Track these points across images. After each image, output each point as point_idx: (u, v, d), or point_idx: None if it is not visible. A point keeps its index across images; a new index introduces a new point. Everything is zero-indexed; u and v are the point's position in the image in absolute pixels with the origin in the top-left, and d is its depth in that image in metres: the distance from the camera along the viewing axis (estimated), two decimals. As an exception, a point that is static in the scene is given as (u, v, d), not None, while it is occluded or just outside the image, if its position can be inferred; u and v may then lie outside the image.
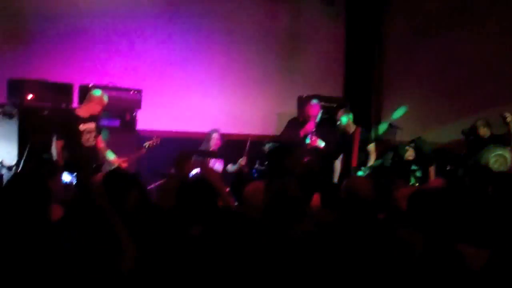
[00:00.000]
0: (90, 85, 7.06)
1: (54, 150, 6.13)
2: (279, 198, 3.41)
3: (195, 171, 3.84)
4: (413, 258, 2.96)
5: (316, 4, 9.29)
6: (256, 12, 9.28)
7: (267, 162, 7.52)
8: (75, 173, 3.22)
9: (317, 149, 7.13)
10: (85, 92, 6.95)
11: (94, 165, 6.15)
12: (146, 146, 6.67)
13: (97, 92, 6.47)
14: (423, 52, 9.37)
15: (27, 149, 6.35)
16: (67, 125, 6.23)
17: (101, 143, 6.48)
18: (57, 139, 6.17)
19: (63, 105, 6.98)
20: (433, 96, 9.21)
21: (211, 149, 7.41)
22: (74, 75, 7.42)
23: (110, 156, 6.49)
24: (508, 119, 7.15)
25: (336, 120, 7.56)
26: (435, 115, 9.14)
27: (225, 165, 7.39)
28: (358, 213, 3.49)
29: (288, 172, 6.27)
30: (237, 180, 4.47)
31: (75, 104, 7.12)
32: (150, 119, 7.70)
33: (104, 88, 7.15)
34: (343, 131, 7.47)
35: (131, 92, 7.38)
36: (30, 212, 2.92)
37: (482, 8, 8.57)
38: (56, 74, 7.27)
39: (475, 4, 8.68)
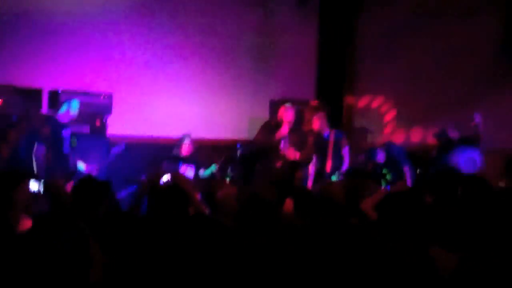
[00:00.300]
0: (60, 90, 6.98)
1: (35, 156, 6.13)
2: (251, 203, 3.41)
3: (166, 177, 3.82)
4: (386, 262, 2.97)
5: (288, 6, 9.31)
6: (228, 15, 9.25)
7: (239, 166, 7.51)
8: (41, 181, 3.17)
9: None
10: (55, 97, 6.90)
11: (67, 172, 6.12)
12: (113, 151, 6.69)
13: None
14: (395, 54, 9.45)
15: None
16: (52, 131, 6.26)
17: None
18: (39, 144, 6.16)
19: (33, 111, 6.89)
20: (404, 98, 9.30)
21: (182, 154, 7.37)
22: (43, 80, 7.33)
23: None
24: (477, 120, 7.25)
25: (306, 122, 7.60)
26: (406, 117, 9.24)
27: (197, 170, 7.35)
28: (331, 217, 3.51)
29: (261, 176, 6.28)
30: (211, 185, 4.45)
31: (44, 109, 7.03)
32: (121, 124, 7.62)
33: (73, 93, 7.09)
34: (317, 134, 7.48)
35: (101, 97, 7.31)
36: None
37: (453, 10, 8.67)
38: (25, 79, 7.17)
39: (447, 5, 8.77)
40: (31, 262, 2.59)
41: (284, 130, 7.10)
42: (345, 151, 7.41)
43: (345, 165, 7.38)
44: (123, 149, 6.75)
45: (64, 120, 6.44)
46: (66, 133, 6.33)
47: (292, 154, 7.04)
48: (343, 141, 7.53)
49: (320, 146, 7.42)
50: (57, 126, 6.34)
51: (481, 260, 3.12)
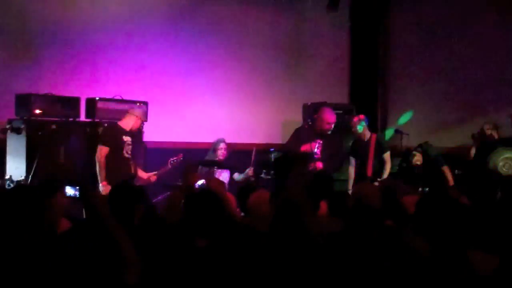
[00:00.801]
0: (96, 98, 7.10)
1: (97, 156, 6.36)
2: (285, 208, 3.40)
3: (201, 182, 3.84)
4: (421, 265, 2.93)
5: (320, 11, 9.28)
6: (259, 20, 9.29)
7: (273, 171, 7.48)
8: (77, 187, 3.24)
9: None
10: (92, 105, 7.06)
11: (128, 177, 6.29)
12: (171, 162, 6.82)
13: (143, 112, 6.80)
14: (429, 56, 9.36)
15: (35, 164, 6.38)
16: (113, 135, 6.50)
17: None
18: (102, 145, 6.39)
19: (71, 119, 7.03)
20: (439, 100, 9.19)
21: (217, 159, 7.41)
22: (80, 89, 7.46)
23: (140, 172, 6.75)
24: None
25: (344, 128, 7.50)
26: (441, 119, 9.11)
27: (231, 174, 7.38)
28: (366, 220, 3.48)
29: (294, 180, 6.23)
30: (244, 189, 4.46)
31: (82, 117, 7.16)
32: (156, 131, 7.70)
33: (110, 100, 7.21)
34: (357, 138, 7.38)
35: (137, 104, 7.40)
36: (35, 225, 2.95)
37: (490, 4, 8.53)
38: (63, 88, 7.31)
39: (481, 5, 8.64)
40: (68, 262, 2.64)
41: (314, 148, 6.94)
42: (387, 156, 7.27)
43: (387, 171, 7.25)
44: (180, 159, 6.91)
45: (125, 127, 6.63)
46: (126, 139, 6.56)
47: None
48: (385, 146, 7.40)
49: (360, 149, 7.31)
50: (118, 132, 6.55)
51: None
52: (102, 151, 6.38)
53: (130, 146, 6.58)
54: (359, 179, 7.18)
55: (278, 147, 7.65)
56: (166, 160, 6.99)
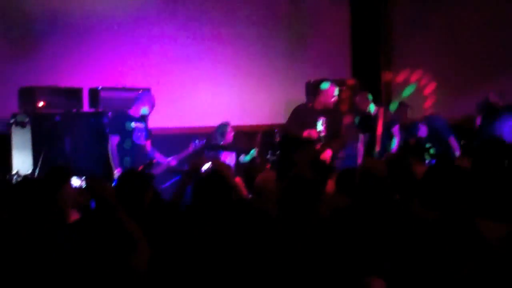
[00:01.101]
0: (99, 88, 7.10)
1: (109, 146, 6.44)
2: (293, 184, 3.40)
3: (207, 165, 3.84)
4: (430, 235, 2.94)
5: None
6: (259, 1, 9.24)
7: (279, 151, 7.47)
8: (84, 177, 3.25)
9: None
10: (95, 95, 7.05)
11: (144, 164, 6.30)
12: (194, 145, 6.80)
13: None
14: (430, 27, 9.27)
15: (41, 157, 6.40)
16: (121, 123, 6.53)
17: (150, 147, 6.72)
18: (112, 134, 6.46)
19: (74, 110, 7.03)
20: (442, 71, 9.14)
21: (225, 142, 7.39)
22: (82, 79, 7.45)
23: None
24: None
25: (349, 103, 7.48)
26: (445, 90, 9.07)
27: (237, 157, 7.39)
28: (374, 195, 3.48)
29: (301, 159, 6.22)
30: (250, 170, 4.47)
31: (85, 107, 7.17)
32: (160, 116, 7.70)
33: (113, 89, 7.21)
34: (364, 113, 7.35)
35: (140, 91, 7.40)
36: (45, 217, 2.98)
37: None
38: (65, 79, 7.31)
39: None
40: (79, 252, 2.67)
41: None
42: (395, 130, 7.25)
43: (396, 144, 7.24)
44: (203, 144, 6.89)
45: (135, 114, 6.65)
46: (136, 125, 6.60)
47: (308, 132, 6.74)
48: (393, 119, 7.37)
49: (367, 124, 7.27)
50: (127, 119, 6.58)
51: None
52: (112, 140, 6.43)
53: (143, 133, 6.59)
54: (368, 154, 7.17)
55: (279, 129, 7.57)
56: (187, 144, 6.93)
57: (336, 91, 6.78)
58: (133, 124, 6.52)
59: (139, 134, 6.56)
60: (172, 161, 6.74)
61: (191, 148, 6.82)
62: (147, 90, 7.48)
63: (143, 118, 6.69)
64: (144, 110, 6.66)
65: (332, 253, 3.05)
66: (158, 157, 6.72)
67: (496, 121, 7.32)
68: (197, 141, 6.87)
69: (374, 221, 3.17)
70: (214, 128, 7.51)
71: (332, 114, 6.78)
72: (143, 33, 8.28)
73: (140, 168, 6.03)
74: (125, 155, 6.42)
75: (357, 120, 7.64)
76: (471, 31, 8.69)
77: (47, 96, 6.87)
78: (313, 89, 7.76)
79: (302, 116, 6.75)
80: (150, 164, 6.36)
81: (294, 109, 6.97)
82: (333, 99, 6.76)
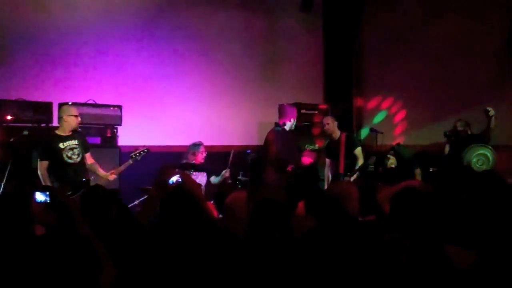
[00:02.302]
0: (69, 103, 7.01)
1: (39, 171, 6.08)
2: (263, 205, 3.38)
3: (175, 178, 3.77)
4: (400, 261, 2.94)
5: (293, 12, 9.32)
6: (233, 23, 9.29)
7: (250, 172, 7.47)
8: (48, 192, 3.17)
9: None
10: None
11: (80, 181, 6.06)
12: (133, 156, 6.54)
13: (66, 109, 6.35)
14: (401, 54, 9.44)
15: (7, 170, 6.28)
16: (47, 147, 6.15)
17: (90, 159, 6.39)
18: (40, 160, 6.11)
19: (43, 124, 6.93)
20: (412, 99, 9.27)
21: (197, 162, 7.34)
22: (53, 94, 7.37)
23: (99, 171, 6.42)
24: (491, 113, 7.16)
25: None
26: (415, 118, 9.20)
27: (208, 177, 7.35)
28: (342, 218, 3.48)
29: (270, 181, 6.24)
30: (221, 191, 4.44)
31: (55, 122, 7.07)
32: (131, 134, 7.64)
33: (83, 105, 7.13)
34: (330, 139, 7.52)
35: (111, 108, 7.34)
36: (11, 231, 2.92)
37: (457, 10, 8.64)
38: (35, 93, 7.23)
39: (450, 6, 8.74)
40: (43, 268, 2.61)
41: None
42: (357, 152, 7.41)
43: (359, 165, 7.37)
44: (145, 153, 6.65)
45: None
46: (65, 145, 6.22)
47: (307, 158, 7.01)
48: (355, 142, 7.54)
49: (333, 149, 7.44)
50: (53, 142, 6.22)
51: (498, 256, 3.08)
52: (41, 165, 6.09)
53: (75, 149, 6.21)
54: (334, 178, 7.30)
55: (268, 155, 7.42)
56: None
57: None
58: (61, 145, 6.14)
59: (71, 152, 6.19)
60: (111, 176, 6.38)
61: (130, 160, 6.49)
62: (118, 107, 7.43)
63: (73, 135, 6.26)
64: (71, 123, 6.24)
65: (299, 275, 3.03)
66: (98, 171, 6.39)
67: (464, 150, 7.43)
68: (136, 152, 6.61)
69: (340, 244, 3.17)
70: (185, 147, 7.46)
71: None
72: (116, 51, 8.25)
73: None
74: (59, 179, 6.06)
75: (325, 144, 7.76)
76: (441, 61, 8.85)
77: (15, 110, 6.78)
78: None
79: (285, 140, 6.94)
80: (87, 181, 6.11)
81: (276, 133, 7.08)
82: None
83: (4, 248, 2.80)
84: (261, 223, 3.31)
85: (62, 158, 6.10)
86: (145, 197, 6.23)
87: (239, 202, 3.70)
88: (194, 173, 7.23)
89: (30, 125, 6.84)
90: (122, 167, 6.48)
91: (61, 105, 6.79)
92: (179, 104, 8.68)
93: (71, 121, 6.20)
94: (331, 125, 7.56)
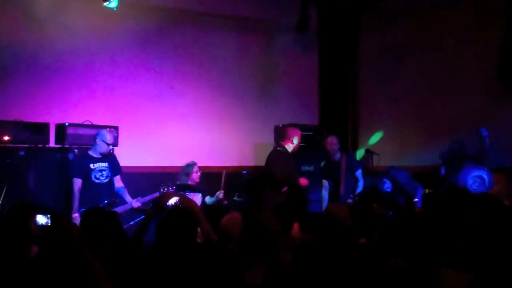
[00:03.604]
0: (66, 124, 7.04)
1: (74, 189, 6.40)
2: (252, 230, 3.39)
3: (174, 200, 3.79)
4: (396, 282, 2.95)
5: (288, 34, 9.39)
6: (229, 44, 9.34)
7: (245, 192, 7.47)
8: (49, 215, 3.18)
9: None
10: (61, 130, 6.99)
11: (106, 202, 6.39)
12: (161, 190, 6.69)
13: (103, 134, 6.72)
14: (396, 77, 9.49)
15: (4, 190, 6.27)
16: (80, 165, 6.54)
17: (119, 182, 6.71)
18: (75, 177, 6.44)
19: (40, 145, 6.94)
20: (408, 120, 9.31)
21: (192, 183, 7.34)
22: (50, 114, 7.40)
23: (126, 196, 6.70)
24: (484, 134, 7.21)
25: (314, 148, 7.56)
26: (411, 139, 9.23)
27: (203, 198, 7.33)
28: (336, 239, 3.49)
29: (266, 202, 6.23)
30: (216, 212, 4.44)
31: (51, 143, 7.08)
32: (128, 155, 7.64)
33: (80, 126, 7.15)
34: (328, 160, 7.50)
35: (108, 129, 7.34)
36: (8, 251, 2.91)
37: (452, 29, 8.72)
38: (32, 114, 7.24)
39: (445, 27, 8.82)
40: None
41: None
42: (358, 174, 7.40)
43: (360, 187, 7.37)
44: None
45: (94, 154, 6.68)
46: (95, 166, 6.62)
47: (304, 180, 6.99)
48: (355, 164, 7.52)
49: (332, 170, 7.41)
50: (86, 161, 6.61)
51: (494, 279, 3.09)
52: (76, 184, 6.43)
53: (104, 172, 6.56)
54: (333, 199, 7.26)
55: (270, 176, 7.30)
56: (152, 183, 6.86)
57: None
58: (91, 165, 6.52)
59: (100, 173, 6.54)
60: (136, 203, 6.66)
61: (158, 193, 6.73)
62: (114, 128, 7.45)
63: (105, 157, 6.64)
64: (102, 148, 6.62)
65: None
66: (125, 195, 6.67)
67: (460, 172, 7.46)
68: (165, 186, 6.79)
69: (336, 264, 3.17)
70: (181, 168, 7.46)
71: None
72: (112, 72, 8.29)
73: (101, 206, 6.02)
74: (86, 198, 6.37)
75: (322, 165, 7.74)
76: (436, 82, 8.90)
77: (12, 130, 6.78)
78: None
79: (287, 162, 7.01)
80: (111, 203, 6.36)
81: (279, 155, 7.12)
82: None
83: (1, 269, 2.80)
84: (250, 246, 3.32)
85: (91, 178, 6.47)
86: (142, 218, 6.23)
87: (233, 223, 3.70)
88: (189, 194, 7.22)
89: (27, 145, 6.84)
90: (148, 197, 6.69)
91: (59, 127, 7.02)
92: (175, 125, 8.70)
93: (102, 147, 6.62)
94: (336, 146, 7.52)
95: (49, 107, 7.63)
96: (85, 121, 7.33)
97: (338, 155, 7.51)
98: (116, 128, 7.50)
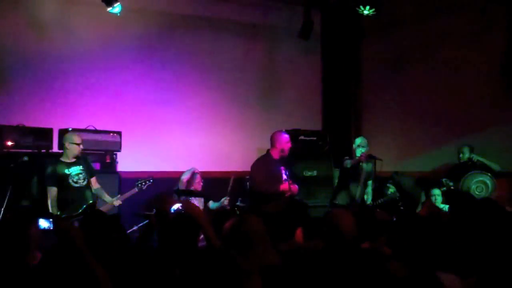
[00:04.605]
0: (69, 129, 7.05)
1: (49, 198, 6.24)
2: (235, 233, 3.39)
3: (177, 206, 3.79)
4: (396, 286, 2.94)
5: (291, 39, 9.40)
6: (232, 50, 9.36)
7: (248, 198, 7.44)
8: (51, 219, 3.18)
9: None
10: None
11: (86, 204, 6.28)
12: (138, 184, 6.63)
13: (68, 136, 6.52)
14: (399, 82, 9.50)
15: (7, 196, 6.29)
16: (53, 174, 6.34)
17: (95, 183, 6.57)
18: (49, 186, 6.29)
19: (43, 150, 6.96)
20: (411, 125, 9.30)
21: (193, 188, 7.35)
22: (53, 120, 7.42)
23: (105, 196, 6.60)
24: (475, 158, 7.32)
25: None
26: (415, 144, 9.22)
27: (206, 203, 7.34)
28: (339, 244, 3.49)
29: (268, 208, 6.19)
30: (219, 218, 4.44)
31: (55, 148, 7.10)
32: (131, 160, 7.66)
33: (83, 131, 7.17)
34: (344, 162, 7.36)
35: (111, 134, 7.37)
36: (8, 259, 2.91)
37: (454, 37, 8.72)
38: (35, 119, 7.26)
39: (447, 32, 8.82)
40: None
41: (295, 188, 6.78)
42: (371, 182, 7.32)
43: (370, 193, 7.32)
44: (150, 183, 6.73)
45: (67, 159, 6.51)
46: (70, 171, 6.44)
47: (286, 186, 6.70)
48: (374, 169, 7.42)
49: (351, 173, 7.28)
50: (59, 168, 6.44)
51: (495, 284, 3.08)
52: (51, 192, 6.27)
53: (81, 175, 6.41)
54: (350, 204, 7.13)
55: (252, 185, 7.01)
56: (152, 188, 6.76)
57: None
58: (67, 171, 6.36)
59: (77, 177, 6.41)
60: (117, 201, 6.54)
61: (135, 188, 6.64)
62: (118, 133, 7.47)
63: (78, 161, 6.46)
64: (73, 150, 6.43)
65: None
66: (104, 195, 6.57)
67: (464, 176, 7.46)
68: (141, 181, 6.70)
69: (339, 270, 3.17)
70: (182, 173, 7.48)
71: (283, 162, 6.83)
72: (115, 77, 8.30)
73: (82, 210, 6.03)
74: (66, 202, 6.27)
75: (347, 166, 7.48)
76: (439, 87, 8.90)
77: (15, 136, 6.80)
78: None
79: (271, 169, 6.70)
80: (92, 205, 6.30)
81: (262, 162, 6.85)
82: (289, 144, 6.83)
83: (2, 275, 2.80)
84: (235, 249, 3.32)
85: (69, 183, 6.31)
86: (144, 223, 6.25)
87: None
88: (191, 199, 7.24)
89: (30, 151, 6.86)
90: (127, 194, 6.61)
91: (63, 132, 6.92)
92: (178, 130, 8.72)
93: (73, 149, 6.41)
94: (366, 148, 7.37)
95: (52, 112, 7.66)
96: (88, 126, 7.35)
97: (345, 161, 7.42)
98: (119, 133, 7.53)
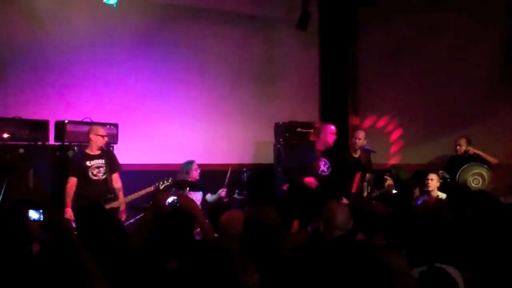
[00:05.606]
0: (65, 121, 7.03)
1: (67, 187, 6.39)
2: (254, 226, 3.40)
3: (171, 199, 3.78)
4: (393, 278, 2.93)
5: (289, 31, 9.37)
6: (229, 41, 9.32)
7: (246, 190, 7.45)
8: (41, 210, 3.19)
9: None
10: (61, 128, 6.98)
11: (104, 198, 6.36)
12: (156, 184, 6.63)
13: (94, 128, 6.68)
14: (398, 74, 9.47)
15: (3, 187, 6.29)
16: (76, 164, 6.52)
17: (117, 180, 6.69)
18: (69, 176, 6.43)
19: (40, 142, 6.94)
20: (408, 117, 9.29)
21: (191, 179, 7.33)
22: (49, 112, 7.40)
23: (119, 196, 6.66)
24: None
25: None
26: (411, 136, 9.21)
27: (204, 195, 7.33)
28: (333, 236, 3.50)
29: (267, 199, 6.21)
30: (216, 210, 4.44)
31: (51, 140, 7.08)
32: (127, 153, 7.64)
33: (79, 123, 7.15)
34: (341, 155, 7.34)
35: (108, 127, 7.34)
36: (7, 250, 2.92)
37: (454, 25, 8.69)
38: (31, 111, 7.25)
39: (445, 21, 8.79)
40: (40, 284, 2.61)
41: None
42: (369, 175, 7.29)
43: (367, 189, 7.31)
44: (170, 183, 6.74)
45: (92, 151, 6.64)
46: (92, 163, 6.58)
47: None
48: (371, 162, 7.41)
49: (349, 166, 7.25)
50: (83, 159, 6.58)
51: (492, 276, 3.09)
52: (70, 182, 6.42)
53: (101, 168, 6.52)
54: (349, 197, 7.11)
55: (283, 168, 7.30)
56: (149, 180, 6.68)
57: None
58: (88, 163, 6.48)
59: (97, 170, 6.51)
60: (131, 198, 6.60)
61: (152, 187, 6.66)
62: (114, 126, 7.45)
63: (102, 154, 6.59)
64: (98, 142, 6.57)
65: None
66: (120, 196, 6.63)
67: (460, 169, 7.47)
68: (161, 180, 6.72)
69: (334, 260, 3.17)
70: (181, 166, 7.46)
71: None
72: (112, 69, 8.27)
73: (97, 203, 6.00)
74: (83, 195, 6.36)
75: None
76: (436, 78, 8.88)
77: (11, 128, 6.79)
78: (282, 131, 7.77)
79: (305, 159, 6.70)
80: (108, 199, 6.36)
81: (307, 153, 6.82)
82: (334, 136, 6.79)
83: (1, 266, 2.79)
84: (252, 242, 3.33)
85: (87, 175, 6.43)
86: (141, 215, 6.23)
87: (235, 222, 3.71)
88: (189, 192, 7.22)
89: (26, 143, 6.85)
90: (143, 192, 6.58)
91: (59, 125, 7.01)
92: (175, 122, 8.69)
93: (98, 141, 6.56)
94: (363, 141, 7.35)
95: (48, 104, 7.63)
96: (85, 118, 7.33)
97: (358, 152, 7.39)
98: (116, 125, 7.51)
